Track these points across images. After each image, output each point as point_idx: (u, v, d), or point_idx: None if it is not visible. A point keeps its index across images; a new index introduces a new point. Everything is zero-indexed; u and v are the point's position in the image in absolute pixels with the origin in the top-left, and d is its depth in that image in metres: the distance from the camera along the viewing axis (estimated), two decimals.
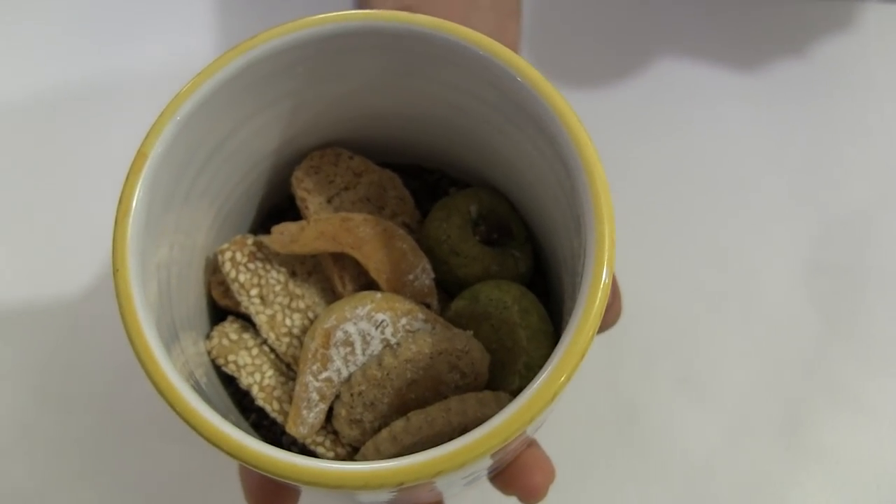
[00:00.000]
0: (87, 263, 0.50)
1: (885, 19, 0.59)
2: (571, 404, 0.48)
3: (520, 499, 0.38)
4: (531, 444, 0.38)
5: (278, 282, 0.35)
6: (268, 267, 0.35)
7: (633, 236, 0.51)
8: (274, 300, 0.35)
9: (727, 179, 0.54)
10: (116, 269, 0.29)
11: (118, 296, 0.29)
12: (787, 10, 0.60)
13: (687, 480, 0.47)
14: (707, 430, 0.48)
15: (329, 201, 0.37)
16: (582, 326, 0.28)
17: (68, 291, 0.50)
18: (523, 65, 0.31)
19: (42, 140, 0.54)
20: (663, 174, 0.54)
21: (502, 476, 0.38)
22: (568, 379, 0.28)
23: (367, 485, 0.27)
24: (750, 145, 0.55)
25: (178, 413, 0.28)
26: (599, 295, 0.29)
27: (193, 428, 0.28)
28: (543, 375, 0.28)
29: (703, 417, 0.48)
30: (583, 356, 0.28)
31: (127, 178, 0.30)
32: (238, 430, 0.28)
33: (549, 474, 0.38)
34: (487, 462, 0.30)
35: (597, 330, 0.29)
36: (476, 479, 0.35)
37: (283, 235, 0.35)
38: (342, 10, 0.32)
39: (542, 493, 0.37)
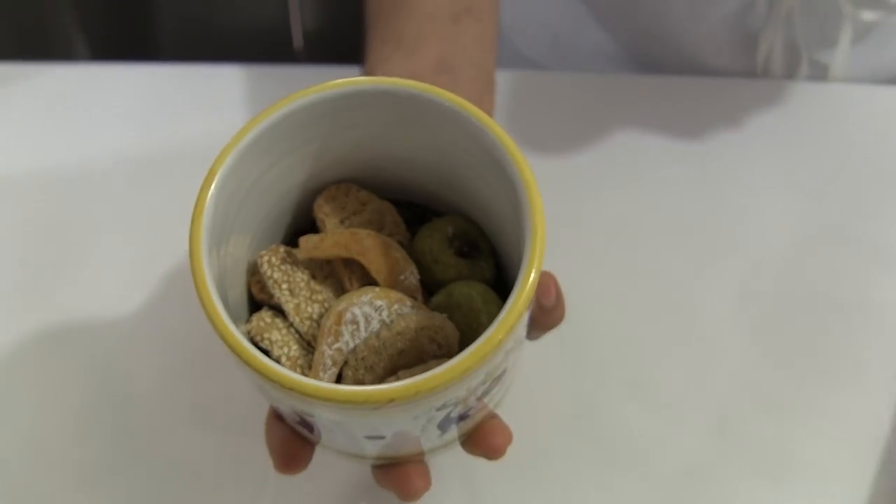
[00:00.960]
0: (144, 286, 0.62)
1: (809, 95, 0.72)
2: (540, 404, 0.58)
3: (485, 457, 0.48)
4: (493, 416, 0.49)
5: (302, 280, 0.47)
6: (294, 268, 0.47)
7: (594, 268, 0.62)
8: (299, 293, 0.46)
9: (672, 224, 0.65)
10: (192, 259, 0.41)
11: (195, 278, 0.40)
12: (725, 86, 0.72)
13: (632, 466, 0.57)
14: (649, 425, 0.58)
15: (341, 222, 0.49)
16: (516, 300, 0.40)
17: (127, 308, 0.62)
18: (490, 122, 0.43)
19: (117, 196, 0.66)
20: (619, 220, 0.65)
21: (470, 440, 0.48)
22: (505, 335, 0.39)
23: (368, 400, 0.38)
24: (691, 198, 0.67)
25: (237, 354, 0.39)
26: (532, 277, 0.40)
27: (247, 363, 0.39)
28: (488, 333, 0.39)
29: (647, 414, 0.59)
30: (517, 319, 0.39)
31: (199, 194, 0.42)
32: (276, 363, 0.39)
33: (508, 437, 0.48)
34: (455, 396, 0.41)
35: (527, 304, 0.40)
36: (448, 429, 0.45)
37: (308, 243, 0.47)
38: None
39: (502, 451, 0.48)
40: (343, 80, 0.45)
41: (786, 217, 0.67)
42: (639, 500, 0.56)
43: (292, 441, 0.48)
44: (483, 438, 0.48)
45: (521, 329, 0.43)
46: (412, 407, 0.40)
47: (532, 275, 0.40)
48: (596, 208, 0.66)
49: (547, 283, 0.48)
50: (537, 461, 0.57)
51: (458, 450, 0.49)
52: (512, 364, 0.45)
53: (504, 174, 0.43)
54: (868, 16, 0.72)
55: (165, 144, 0.69)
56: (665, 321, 0.62)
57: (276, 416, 0.48)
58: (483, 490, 0.56)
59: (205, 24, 1.48)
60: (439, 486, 0.53)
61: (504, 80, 0.69)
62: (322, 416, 0.42)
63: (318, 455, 0.48)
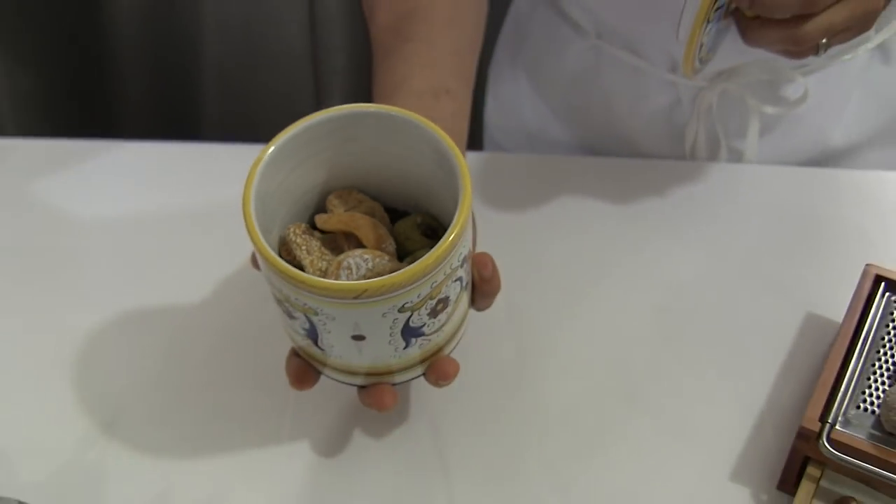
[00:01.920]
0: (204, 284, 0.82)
1: (725, 172, 0.92)
2: (494, 381, 0.77)
3: (438, 383, 0.67)
4: (451, 360, 0.68)
5: (315, 245, 0.67)
6: (311, 237, 0.67)
7: (550, 293, 0.82)
8: (313, 252, 0.66)
9: (609, 262, 0.85)
10: (245, 217, 0.60)
11: (247, 226, 0.60)
12: (656, 165, 0.93)
13: (565, 426, 0.75)
14: (580, 396, 0.76)
15: (345, 211, 0.69)
16: (452, 227, 0.60)
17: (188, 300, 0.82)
18: (443, 133, 0.64)
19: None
20: (570, 259, 0.85)
21: (429, 370, 0.67)
22: (444, 251, 0.58)
23: (349, 290, 0.57)
24: (625, 245, 0.87)
25: (270, 263, 0.59)
26: (463, 216, 0.60)
27: (276, 267, 0.59)
28: (432, 250, 0.59)
29: (579, 390, 0.77)
30: (456, 240, 0.59)
31: (248, 177, 0.63)
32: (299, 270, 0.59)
33: (456, 367, 0.67)
34: (412, 297, 0.60)
35: (461, 234, 0.59)
36: (410, 343, 0.64)
37: (321, 218, 0.67)
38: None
39: (451, 378, 0.67)
40: (344, 105, 0.66)
41: (694, 259, 0.86)
42: (570, 450, 0.73)
43: (303, 367, 0.67)
44: (438, 367, 0.67)
45: (456, 257, 0.62)
46: (381, 302, 0.59)
47: (463, 214, 0.60)
48: (551, 250, 0.86)
49: (484, 258, 0.68)
50: (488, 418, 0.75)
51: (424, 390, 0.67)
52: (455, 295, 0.64)
53: (449, 166, 0.64)
54: (770, 110, 0.94)
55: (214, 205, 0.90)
56: (599, 329, 0.81)
57: (293, 353, 0.68)
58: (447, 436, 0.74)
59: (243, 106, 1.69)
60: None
61: (484, 159, 0.91)
62: (322, 313, 0.61)
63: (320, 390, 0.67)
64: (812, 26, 0.71)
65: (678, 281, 0.85)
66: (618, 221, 0.89)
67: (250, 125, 1.67)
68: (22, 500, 0.65)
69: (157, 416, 0.75)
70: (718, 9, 0.72)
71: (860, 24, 0.74)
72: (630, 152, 1.01)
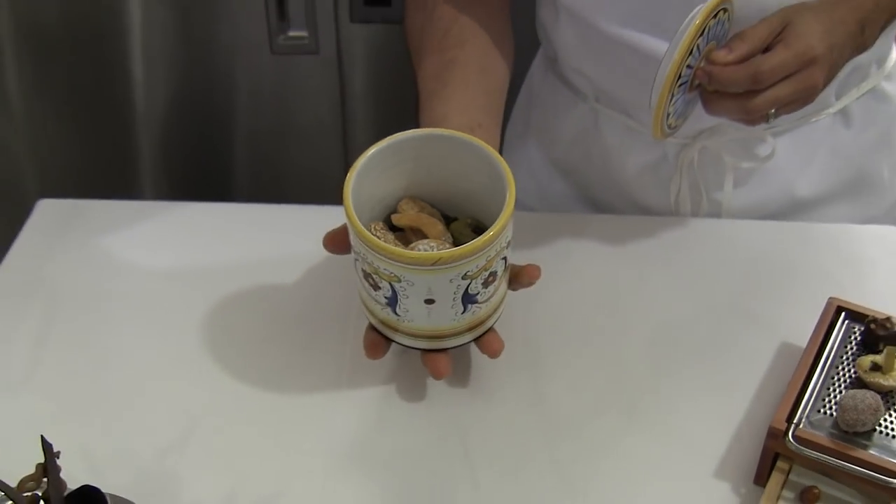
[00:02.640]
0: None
1: (706, 227, 1.07)
2: (521, 393, 0.90)
3: (488, 354, 0.83)
4: (493, 330, 0.84)
5: (391, 238, 0.83)
6: (387, 232, 0.83)
7: (561, 323, 0.95)
8: (389, 243, 0.81)
9: (609, 300, 0.99)
10: (346, 203, 0.78)
11: (347, 210, 0.78)
12: (644, 222, 1.07)
13: (571, 430, 0.88)
14: (584, 408, 0.89)
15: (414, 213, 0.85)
16: (503, 213, 0.77)
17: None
18: (493, 151, 0.82)
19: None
20: (574, 298, 0.99)
21: (480, 342, 0.83)
22: (500, 228, 0.76)
23: (426, 259, 0.75)
24: (622, 286, 1.00)
25: (362, 236, 0.76)
26: (509, 206, 0.78)
27: (365, 239, 0.76)
28: (489, 231, 0.76)
29: (580, 401, 0.90)
30: (506, 221, 0.77)
31: (347, 178, 0.80)
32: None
33: (502, 345, 0.83)
34: (475, 266, 0.76)
35: (509, 218, 0.77)
36: (467, 308, 0.80)
37: (396, 216, 0.84)
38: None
39: (498, 354, 0.83)
40: (418, 129, 0.84)
41: (684, 297, 1.00)
42: (576, 452, 0.86)
43: (377, 339, 0.84)
44: (488, 344, 0.83)
45: (504, 238, 0.79)
46: (450, 269, 0.76)
47: (510, 205, 0.78)
48: (561, 292, 0.99)
49: (535, 270, 0.84)
50: (507, 424, 0.88)
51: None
52: (502, 270, 0.81)
53: (497, 172, 0.81)
54: (744, 165, 1.08)
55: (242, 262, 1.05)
56: (603, 354, 0.94)
57: (370, 328, 0.84)
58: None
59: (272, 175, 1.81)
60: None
61: None
62: (404, 280, 0.76)
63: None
64: (761, 100, 0.87)
65: (670, 316, 0.98)
66: (616, 268, 1.03)
67: (279, 194, 1.81)
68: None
69: (224, 427, 0.87)
70: (682, 84, 0.87)
71: (803, 98, 0.89)
72: (624, 201, 1.15)
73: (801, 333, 0.91)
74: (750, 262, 1.05)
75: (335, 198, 1.49)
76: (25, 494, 0.67)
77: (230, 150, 1.87)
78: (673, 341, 0.96)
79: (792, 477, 0.81)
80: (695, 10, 0.86)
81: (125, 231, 1.09)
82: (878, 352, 0.85)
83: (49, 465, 0.66)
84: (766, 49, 0.88)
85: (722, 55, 0.87)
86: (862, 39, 0.93)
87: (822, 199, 1.14)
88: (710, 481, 0.84)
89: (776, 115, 0.89)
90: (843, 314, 0.90)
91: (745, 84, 0.86)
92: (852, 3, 0.92)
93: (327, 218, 0.89)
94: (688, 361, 0.94)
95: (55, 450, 0.68)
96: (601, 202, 1.18)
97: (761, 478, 0.82)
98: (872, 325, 0.86)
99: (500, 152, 0.85)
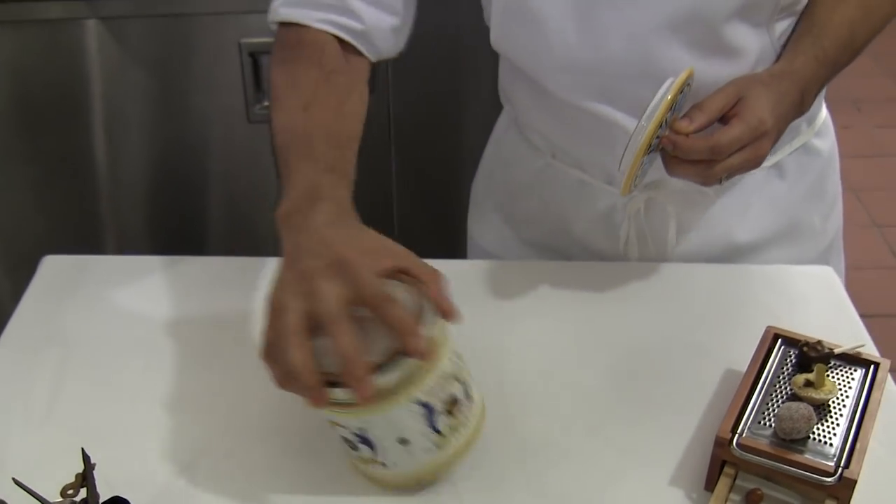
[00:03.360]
0: None
1: (661, 270, 1.18)
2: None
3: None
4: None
5: None
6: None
7: (528, 361, 1.06)
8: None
9: (572, 343, 1.10)
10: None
11: None
12: (601, 266, 1.19)
13: (541, 451, 0.98)
14: (549, 428, 1.00)
15: None
16: None
17: None
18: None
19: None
20: (542, 340, 1.10)
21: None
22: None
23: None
24: (583, 330, 1.11)
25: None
26: None
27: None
28: None
29: (548, 421, 1.00)
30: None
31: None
32: None
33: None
34: None
35: None
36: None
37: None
38: None
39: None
40: None
41: (640, 332, 1.11)
42: (548, 465, 0.96)
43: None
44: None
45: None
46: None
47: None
48: (525, 331, 1.11)
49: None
50: (486, 444, 0.98)
51: None
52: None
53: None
54: (685, 214, 1.20)
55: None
56: (567, 382, 1.05)
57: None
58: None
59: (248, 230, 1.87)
60: None
61: (469, 267, 1.17)
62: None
63: None
64: (718, 168, 1.00)
65: (626, 349, 1.10)
66: (574, 309, 1.15)
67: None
68: None
69: (230, 456, 0.97)
70: (651, 150, 0.99)
71: (751, 166, 1.02)
72: (577, 248, 1.27)
73: (744, 360, 1.01)
74: (695, 300, 1.17)
75: None
76: (64, 500, 0.75)
77: (203, 215, 1.95)
78: (629, 370, 1.07)
79: (738, 482, 0.92)
80: (665, 85, 0.97)
81: (127, 284, 1.19)
82: (810, 371, 0.96)
83: (88, 473, 0.75)
84: (722, 118, 1.00)
85: (684, 125, 0.99)
86: (802, 107, 1.06)
87: (760, 245, 1.26)
88: (666, 489, 0.94)
89: (728, 178, 1.01)
90: (779, 340, 1.02)
91: (705, 154, 0.98)
92: (795, 76, 1.05)
93: None
94: (643, 387, 1.05)
95: (92, 462, 0.77)
96: (557, 249, 1.29)
97: (711, 483, 0.93)
98: (805, 348, 0.98)
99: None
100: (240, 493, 0.93)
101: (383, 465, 0.89)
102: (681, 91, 0.98)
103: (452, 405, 0.88)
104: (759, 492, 0.91)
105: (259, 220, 1.91)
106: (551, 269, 1.23)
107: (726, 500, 0.91)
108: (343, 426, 0.87)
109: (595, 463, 0.97)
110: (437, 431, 0.88)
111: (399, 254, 0.87)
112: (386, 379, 0.82)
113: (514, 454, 0.97)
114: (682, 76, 0.98)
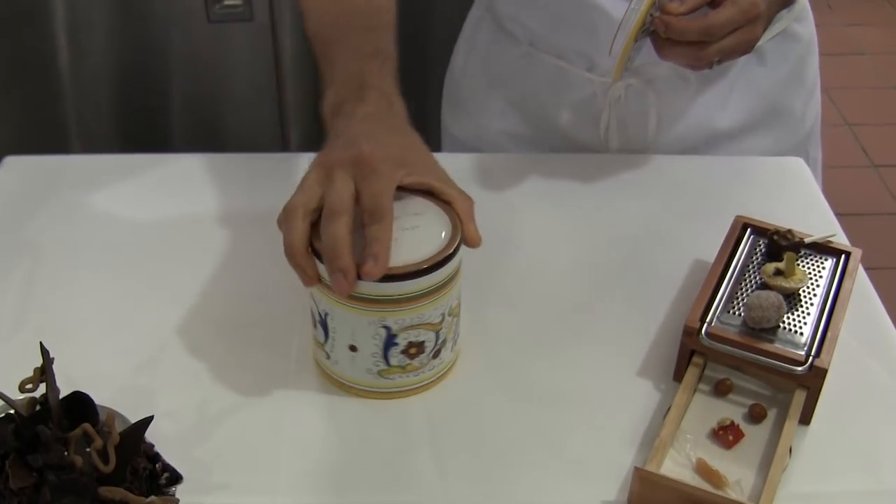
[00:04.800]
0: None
1: (635, 161, 1.16)
2: None
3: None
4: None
5: None
6: None
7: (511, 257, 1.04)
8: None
9: (551, 236, 1.08)
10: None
11: None
12: (584, 159, 1.17)
13: (522, 347, 0.97)
14: (528, 322, 0.99)
15: None
16: None
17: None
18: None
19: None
20: (522, 235, 1.08)
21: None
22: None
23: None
24: (562, 222, 1.10)
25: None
26: None
27: None
28: None
29: (526, 313, 0.99)
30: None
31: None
32: None
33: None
34: None
35: None
36: None
37: None
38: None
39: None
40: None
41: (614, 224, 1.10)
42: (526, 360, 0.95)
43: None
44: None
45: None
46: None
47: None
48: (499, 226, 1.08)
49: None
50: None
51: None
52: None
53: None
54: (666, 101, 1.18)
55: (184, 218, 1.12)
56: (547, 271, 1.04)
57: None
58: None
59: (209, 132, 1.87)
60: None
61: (444, 160, 1.14)
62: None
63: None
64: (711, 50, 0.98)
65: (596, 242, 1.08)
66: (548, 203, 1.13)
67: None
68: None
69: (192, 348, 0.95)
70: (643, 32, 0.97)
71: (744, 49, 1.00)
72: (558, 138, 1.25)
73: (714, 252, 1.00)
74: (667, 191, 1.15)
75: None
76: (24, 397, 0.74)
77: (167, 116, 1.92)
78: (599, 262, 1.06)
79: (707, 372, 0.91)
80: None
81: (92, 184, 1.16)
82: (780, 260, 0.95)
83: (46, 367, 0.73)
84: (712, 2, 0.98)
85: (675, 6, 0.96)
86: None
87: (741, 132, 1.24)
88: (634, 379, 0.93)
89: (719, 63, 0.99)
90: (748, 230, 1.00)
91: (698, 36, 0.96)
92: None
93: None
94: (612, 278, 1.04)
95: (50, 356, 0.75)
96: (535, 140, 1.27)
97: (679, 374, 0.92)
98: (775, 237, 0.97)
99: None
100: (203, 388, 0.92)
101: (328, 356, 0.89)
102: None
103: (415, 349, 0.87)
104: (728, 382, 0.90)
105: (223, 119, 1.88)
106: (527, 162, 1.21)
107: (695, 391, 0.90)
108: (315, 302, 0.87)
109: (563, 354, 0.96)
110: (387, 362, 0.87)
111: (427, 170, 0.88)
112: (367, 288, 0.82)
113: (485, 344, 0.96)
114: None
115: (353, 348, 0.87)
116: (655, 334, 0.97)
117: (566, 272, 1.05)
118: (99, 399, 0.81)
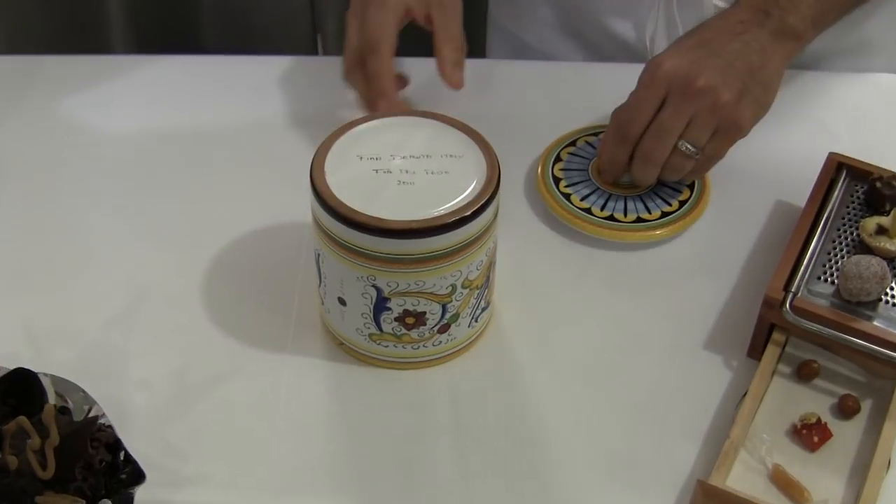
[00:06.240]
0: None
1: None
2: None
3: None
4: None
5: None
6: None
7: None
8: None
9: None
10: None
11: None
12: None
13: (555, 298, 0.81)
14: (567, 278, 0.83)
15: None
16: None
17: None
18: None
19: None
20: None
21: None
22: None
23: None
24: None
25: None
26: None
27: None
28: None
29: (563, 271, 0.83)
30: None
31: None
32: None
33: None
34: None
35: None
36: None
37: None
38: None
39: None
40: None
41: None
42: (560, 321, 0.80)
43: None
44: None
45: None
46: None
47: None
48: (533, 140, 0.92)
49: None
50: None
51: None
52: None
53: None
54: (721, 4, 0.99)
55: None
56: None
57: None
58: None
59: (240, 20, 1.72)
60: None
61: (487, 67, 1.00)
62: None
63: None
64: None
65: None
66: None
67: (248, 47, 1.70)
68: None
69: (175, 300, 0.80)
70: None
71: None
72: (603, 36, 1.07)
73: (798, 191, 0.84)
74: None
75: (304, 49, 1.39)
76: None
77: (196, 7, 1.76)
78: None
79: (788, 349, 0.76)
80: None
81: (83, 89, 1.00)
82: (883, 213, 0.78)
83: None
84: None
85: None
86: (781, 24, 0.83)
87: (816, 55, 1.05)
88: (700, 354, 0.78)
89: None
90: (844, 171, 0.83)
91: None
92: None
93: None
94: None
95: None
96: (581, 33, 1.10)
97: (755, 351, 0.77)
98: (878, 184, 0.80)
99: None
100: (184, 350, 0.78)
101: (322, 301, 0.76)
102: None
103: (413, 319, 0.72)
104: (814, 365, 0.75)
105: (252, 13, 1.71)
106: (569, 71, 1.05)
107: (773, 374, 0.74)
108: (316, 237, 0.72)
109: (616, 320, 0.81)
110: (378, 326, 0.72)
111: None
112: (353, 237, 0.68)
113: (521, 304, 0.81)
114: None
115: (342, 301, 0.72)
116: (728, 295, 0.82)
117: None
118: (60, 360, 0.71)
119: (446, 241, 0.67)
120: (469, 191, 0.69)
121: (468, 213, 0.67)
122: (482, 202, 0.68)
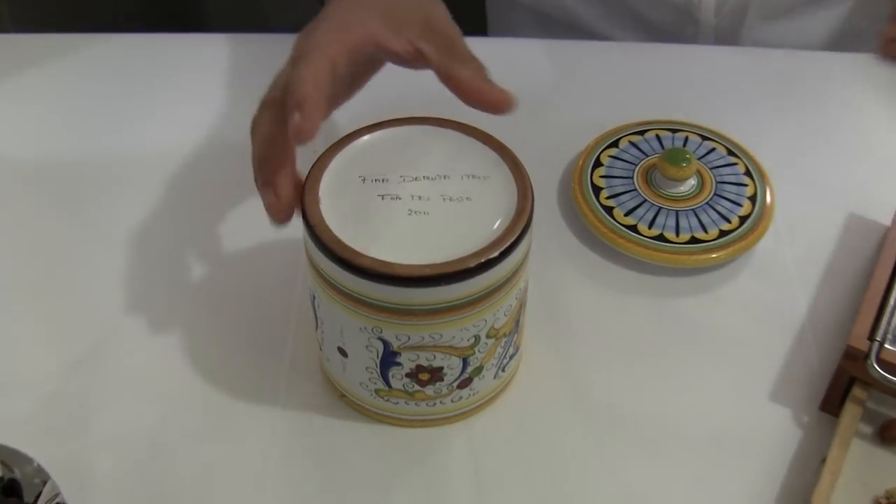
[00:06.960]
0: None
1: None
2: None
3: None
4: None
5: None
6: None
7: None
8: None
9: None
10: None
11: None
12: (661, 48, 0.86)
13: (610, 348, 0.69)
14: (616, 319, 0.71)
15: None
16: None
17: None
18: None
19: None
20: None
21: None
22: None
23: None
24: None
25: None
26: None
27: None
28: None
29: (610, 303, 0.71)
30: None
31: None
32: None
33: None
34: None
35: None
36: None
37: None
38: None
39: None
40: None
41: None
42: (618, 372, 0.68)
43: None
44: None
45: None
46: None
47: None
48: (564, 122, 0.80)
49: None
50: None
51: None
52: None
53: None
54: None
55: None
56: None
57: None
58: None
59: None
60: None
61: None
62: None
63: None
64: None
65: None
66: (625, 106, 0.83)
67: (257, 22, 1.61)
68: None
69: (147, 339, 0.69)
70: None
71: None
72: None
73: (881, 206, 0.73)
74: (798, 101, 0.84)
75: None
76: None
77: None
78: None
79: (870, 405, 0.64)
80: None
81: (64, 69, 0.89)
82: None
83: None
84: None
85: None
86: None
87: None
88: (766, 404, 0.66)
89: None
90: None
91: None
92: None
93: None
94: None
95: None
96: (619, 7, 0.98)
97: (830, 405, 0.65)
98: None
99: None
100: (158, 403, 0.66)
101: (320, 346, 0.64)
102: None
103: (427, 375, 0.60)
104: None
105: None
106: (611, 51, 0.92)
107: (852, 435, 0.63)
108: (311, 277, 0.60)
109: (669, 363, 0.68)
110: (386, 383, 0.60)
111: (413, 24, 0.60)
112: (353, 283, 0.55)
113: (554, 348, 0.69)
114: None
115: (342, 352, 0.61)
116: (795, 334, 0.70)
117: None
118: (9, 415, 0.62)
119: (468, 289, 0.55)
120: (497, 225, 0.56)
121: (495, 253, 0.55)
122: (512, 240, 0.56)
